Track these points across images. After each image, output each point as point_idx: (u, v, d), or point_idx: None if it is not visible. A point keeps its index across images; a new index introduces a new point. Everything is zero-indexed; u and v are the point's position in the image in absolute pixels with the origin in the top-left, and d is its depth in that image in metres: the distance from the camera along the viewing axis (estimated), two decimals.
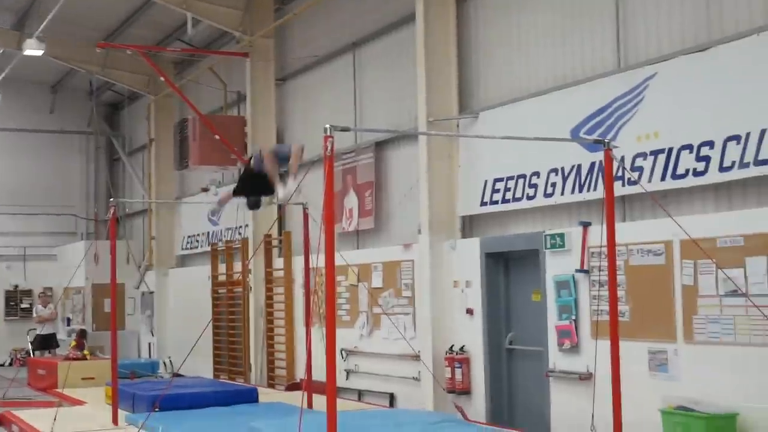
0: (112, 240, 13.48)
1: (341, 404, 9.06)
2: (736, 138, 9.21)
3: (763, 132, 8.94)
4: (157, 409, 11.92)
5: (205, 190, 21.34)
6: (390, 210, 14.89)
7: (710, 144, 9.49)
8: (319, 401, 9.55)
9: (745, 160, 9.11)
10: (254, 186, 10.45)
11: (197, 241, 22.23)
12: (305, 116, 17.48)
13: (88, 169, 28.67)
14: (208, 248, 20.98)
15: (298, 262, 16.59)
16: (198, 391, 14.24)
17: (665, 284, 9.85)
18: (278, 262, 17.98)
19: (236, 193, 10.68)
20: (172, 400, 12.81)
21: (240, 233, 19.52)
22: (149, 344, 24.02)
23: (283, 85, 18.41)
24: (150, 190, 23.98)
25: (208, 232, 21.48)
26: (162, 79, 20.52)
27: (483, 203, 12.64)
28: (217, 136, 18.49)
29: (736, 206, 9.40)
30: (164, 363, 21.43)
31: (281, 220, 18.22)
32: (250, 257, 18.28)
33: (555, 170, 11.44)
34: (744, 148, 9.13)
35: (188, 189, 22.99)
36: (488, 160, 12.52)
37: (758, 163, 8.98)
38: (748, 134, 9.09)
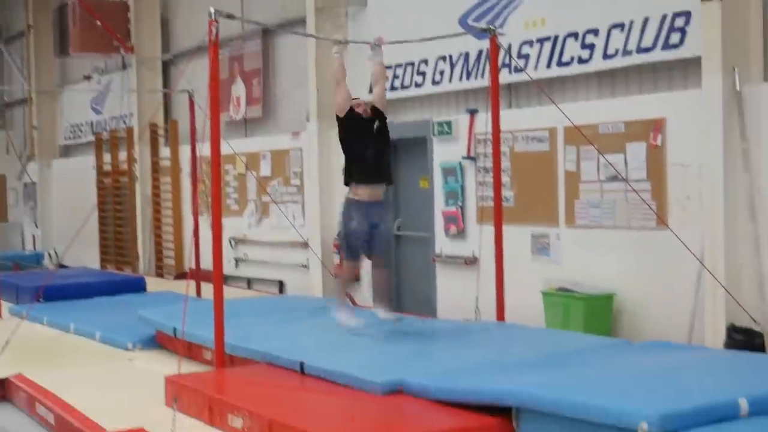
0: None
1: (229, 292, 9.11)
2: (620, 26, 9.32)
3: (646, 20, 9.06)
4: (40, 300, 11.78)
5: (88, 77, 20.76)
6: (278, 98, 14.74)
7: (595, 32, 9.59)
8: (208, 289, 9.55)
9: (628, 48, 9.25)
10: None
11: (81, 130, 21.69)
12: (191, 2, 17.02)
13: None
14: (93, 138, 20.51)
15: (185, 151, 16.37)
16: (83, 281, 14.11)
17: (549, 170, 10.05)
18: (165, 151, 17.71)
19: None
20: (56, 291, 12.68)
21: (125, 122, 19.11)
22: (33, 236, 23.56)
23: None
24: (30, 78, 23.18)
25: (92, 122, 20.96)
26: None
27: (371, 91, 12.56)
28: (98, 22, 17.91)
29: (618, 93, 9.57)
30: (49, 254, 21.06)
31: (167, 108, 17.90)
32: (134, 145, 17.97)
33: (443, 57, 11.44)
34: (627, 36, 9.25)
35: (70, 77, 22.28)
36: None
37: (640, 50, 9.13)
38: (631, 22, 9.21)
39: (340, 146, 8.74)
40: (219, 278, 7.78)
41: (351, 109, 8.58)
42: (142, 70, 17.96)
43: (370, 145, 8.44)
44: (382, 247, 8.56)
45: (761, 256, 8.17)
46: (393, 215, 9.43)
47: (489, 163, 9.92)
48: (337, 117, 8.67)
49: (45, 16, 21.90)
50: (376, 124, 8.56)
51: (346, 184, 8.52)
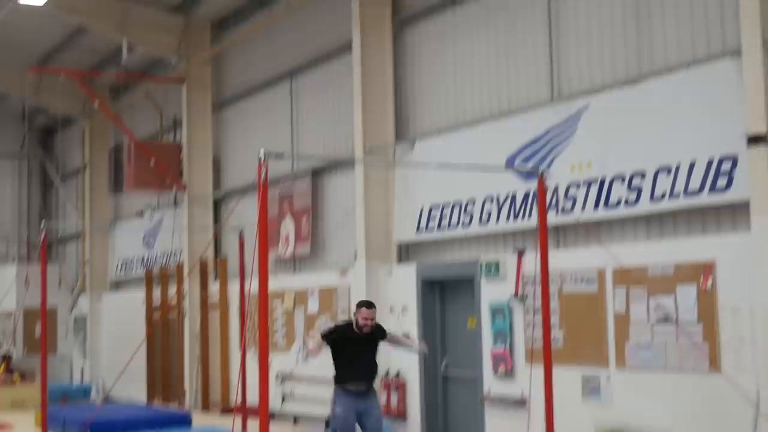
0: (43, 264, 13.33)
1: (275, 429, 9.05)
2: (667, 169, 9.40)
3: (692, 163, 9.13)
4: None
5: (140, 214, 21.16)
6: (327, 236, 14.90)
7: (642, 174, 9.67)
8: (254, 425, 9.49)
9: (676, 191, 9.30)
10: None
11: (132, 265, 22.00)
12: (242, 143, 17.45)
13: (20, 193, 28.11)
14: (143, 273, 20.76)
15: (233, 287, 16.50)
16: (129, 415, 14.10)
17: (598, 311, 9.99)
18: (214, 287, 17.86)
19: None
20: (103, 425, 12.68)
21: (175, 258, 19.36)
22: (82, 369, 23.65)
23: (220, 112, 18.35)
24: (84, 214, 23.69)
25: (143, 257, 21.27)
26: (96, 104, 20.32)
27: (419, 230, 12.72)
28: (152, 161, 18.37)
29: (667, 235, 9.58)
30: (97, 387, 21.07)
31: (217, 245, 18.13)
32: (184, 281, 18.15)
33: (490, 198, 11.56)
34: (674, 179, 9.31)
35: (123, 213, 22.75)
36: (424, 188, 12.60)
37: (688, 194, 9.17)
38: (678, 165, 9.29)
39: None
40: (264, 415, 7.75)
41: (350, 327, 9.69)
42: (194, 208, 18.29)
43: (362, 355, 9.57)
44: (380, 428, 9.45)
45: None
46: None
47: (538, 304, 9.90)
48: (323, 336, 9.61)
49: (101, 155, 22.53)
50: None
51: (337, 382, 9.47)
